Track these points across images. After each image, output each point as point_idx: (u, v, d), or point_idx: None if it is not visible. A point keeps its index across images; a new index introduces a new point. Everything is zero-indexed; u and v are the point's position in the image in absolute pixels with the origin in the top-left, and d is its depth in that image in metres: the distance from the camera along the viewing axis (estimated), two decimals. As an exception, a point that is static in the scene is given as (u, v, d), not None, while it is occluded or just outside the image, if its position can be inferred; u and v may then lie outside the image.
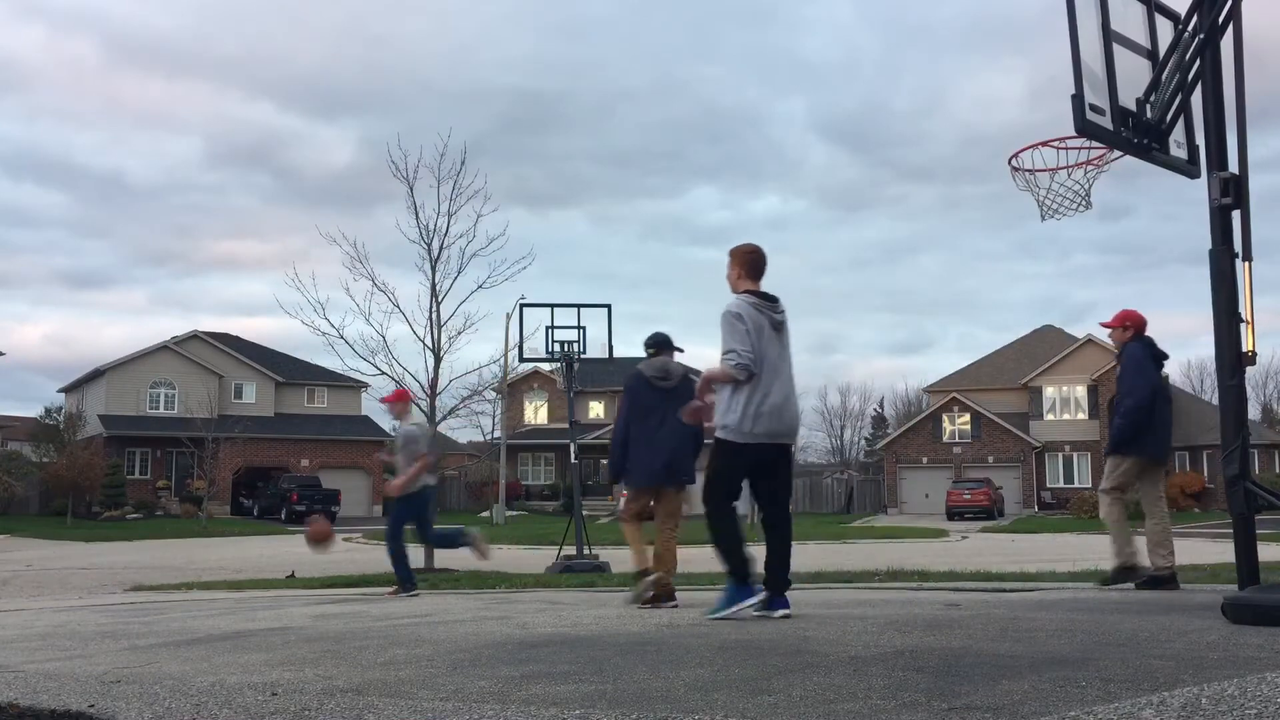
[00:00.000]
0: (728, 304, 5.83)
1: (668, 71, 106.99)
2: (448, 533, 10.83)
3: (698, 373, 6.36)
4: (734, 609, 5.82)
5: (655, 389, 7.35)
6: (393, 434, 10.57)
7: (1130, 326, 7.73)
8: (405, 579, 9.59)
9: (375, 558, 20.54)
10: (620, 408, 7.60)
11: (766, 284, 6.12)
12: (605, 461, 57.97)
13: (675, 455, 7.28)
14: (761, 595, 5.79)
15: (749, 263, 6.00)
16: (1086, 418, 52.11)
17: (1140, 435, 7.43)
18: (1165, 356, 7.72)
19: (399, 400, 10.63)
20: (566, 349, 15.86)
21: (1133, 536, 7.54)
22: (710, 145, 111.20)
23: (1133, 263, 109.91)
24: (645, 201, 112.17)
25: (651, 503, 7.55)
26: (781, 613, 5.75)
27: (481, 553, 10.11)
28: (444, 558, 14.52)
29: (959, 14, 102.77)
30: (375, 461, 48.10)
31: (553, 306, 16.04)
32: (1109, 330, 7.90)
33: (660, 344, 7.56)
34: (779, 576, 5.86)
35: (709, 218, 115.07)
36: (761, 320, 5.82)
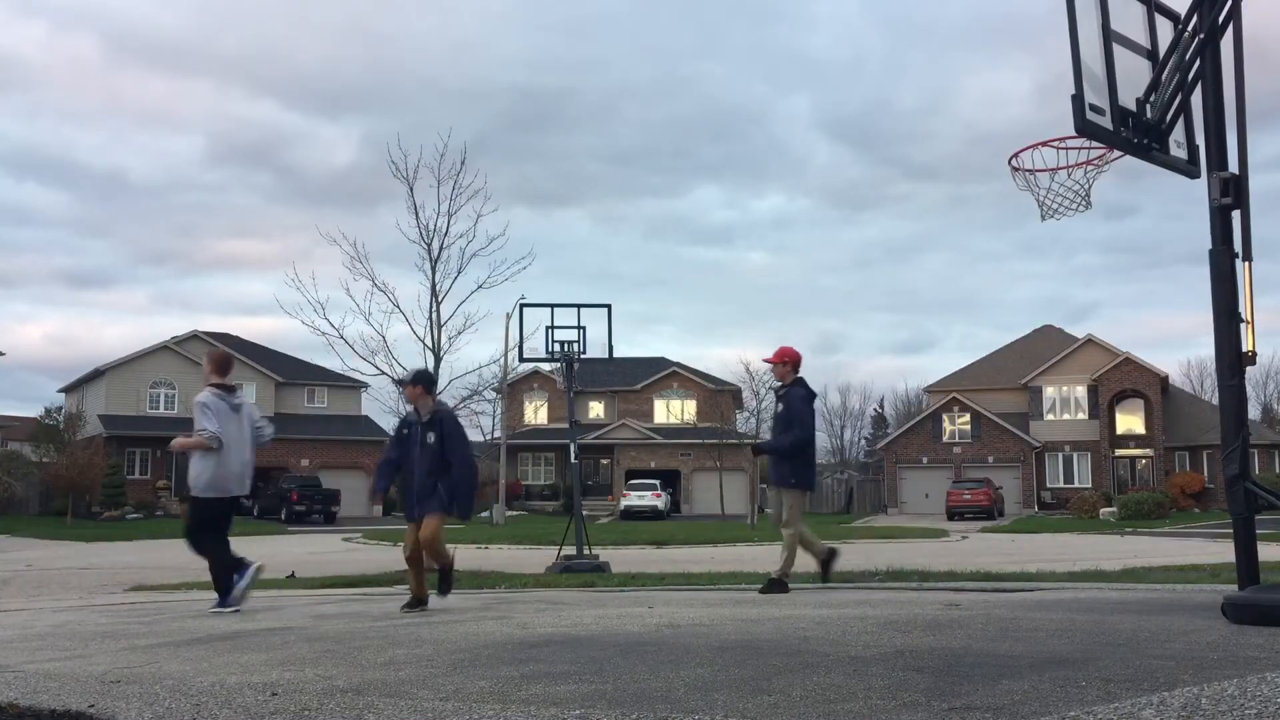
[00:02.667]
0: (199, 396, 8.00)
1: (672, 69, 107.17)
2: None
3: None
4: (225, 609, 7.78)
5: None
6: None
7: (789, 362, 8.44)
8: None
9: (375, 558, 20.54)
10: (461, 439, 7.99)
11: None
12: (605, 462, 57.22)
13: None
14: (236, 607, 7.80)
15: (217, 365, 8.27)
16: (1086, 418, 52.11)
17: (810, 472, 8.49)
18: (814, 396, 8.59)
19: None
20: (566, 349, 15.84)
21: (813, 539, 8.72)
22: (714, 144, 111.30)
23: (1136, 262, 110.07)
24: (648, 200, 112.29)
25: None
26: (232, 609, 7.75)
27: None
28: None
29: (965, 11, 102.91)
30: (374, 462, 48.07)
31: (553, 306, 16.04)
32: (770, 365, 8.63)
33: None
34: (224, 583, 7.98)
35: (713, 217, 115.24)
36: (223, 406, 7.99)
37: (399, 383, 8.17)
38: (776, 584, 8.37)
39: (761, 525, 37.93)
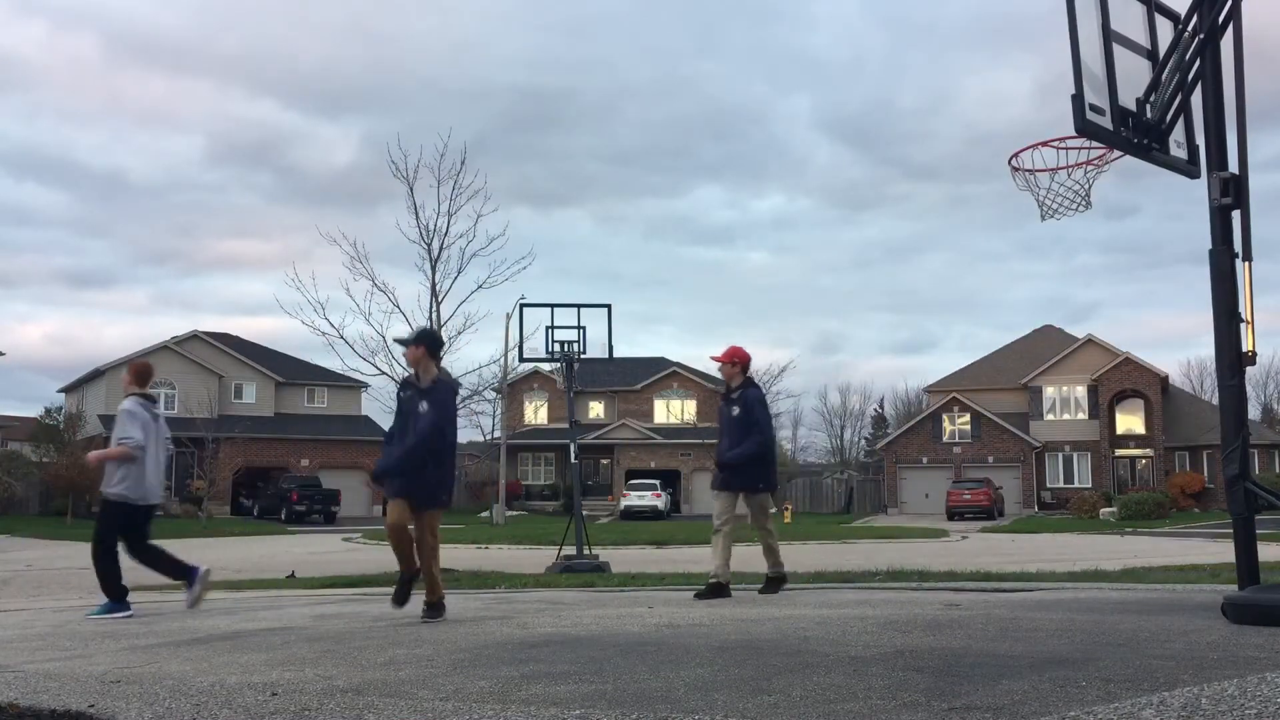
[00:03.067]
0: (124, 404, 8.00)
1: (672, 69, 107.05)
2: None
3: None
4: (109, 615, 7.66)
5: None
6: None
7: (739, 363, 8.24)
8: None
9: (375, 558, 20.53)
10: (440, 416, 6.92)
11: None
12: (605, 462, 57.15)
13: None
14: (129, 612, 7.76)
15: (137, 374, 8.22)
16: (1086, 418, 52.10)
17: (774, 469, 8.40)
18: (766, 399, 8.39)
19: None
20: (566, 349, 15.84)
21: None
22: (715, 143, 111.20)
23: (1137, 262, 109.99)
24: (649, 200, 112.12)
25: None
26: (125, 614, 7.72)
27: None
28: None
29: (965, 11, 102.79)
30: (374, 462, 48.02)
31: (553, 306, 16.04)
32: (718, 365, 8.36)
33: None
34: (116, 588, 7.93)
35: (713, 217, 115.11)
36: (146, 415, 7.99)
37: (400, 342, 7.54)
38: (775, 581, 8.39)
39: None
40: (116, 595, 7.85)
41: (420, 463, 6.67)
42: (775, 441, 8.48)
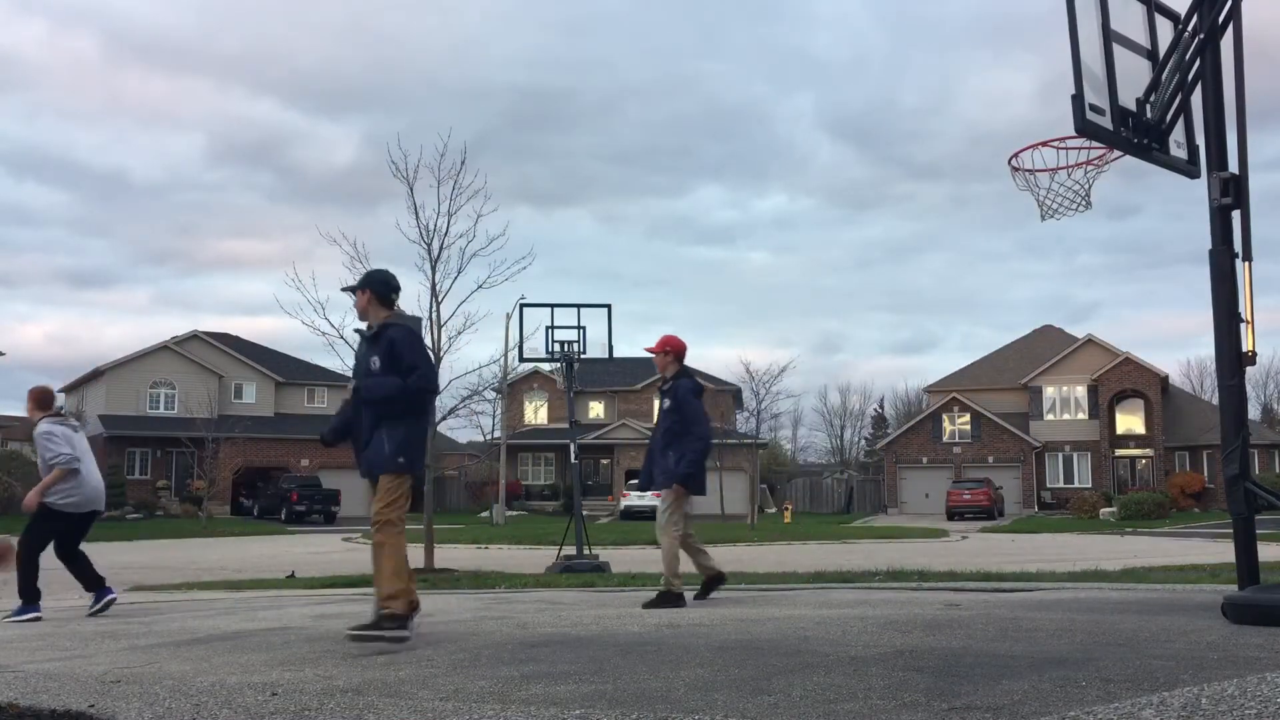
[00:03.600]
0: (39, 428, 8.19)
1: (673, 68, 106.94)
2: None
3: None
4: (21, 617, 7.73)
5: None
6: None
7: (671, 352, 7.79)
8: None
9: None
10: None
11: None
12: (605, 462, 57.00)
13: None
14: (38, 614, 7.81)
15: (39, 400, 8.47)
16: (1086, 418, 52.11)
17: (704, 468, 7.62)
18: (702, 389, 7.81)
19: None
20: (566, 349, 15.85)
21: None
22: (717, 143, 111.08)
23: (1137, 262, 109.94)
24: (651, 200, 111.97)
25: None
26: (35, 615, 7.79)
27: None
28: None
29: (968, 10, 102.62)
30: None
31: (553, 306, 16.04)
32: (652, 355, 7.93)
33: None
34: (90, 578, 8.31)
35: (714, 216, 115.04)
36: (67, 430, 8.25)
37: (347, 290, 5.98)
38: (666, 595, 7.40)
39: (761, 525, 37.98)
40: (33, 598, 7.95)
41: (369, 427, 5.65)
42: (711, 441, 7.74)
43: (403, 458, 5.58)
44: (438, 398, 15.60)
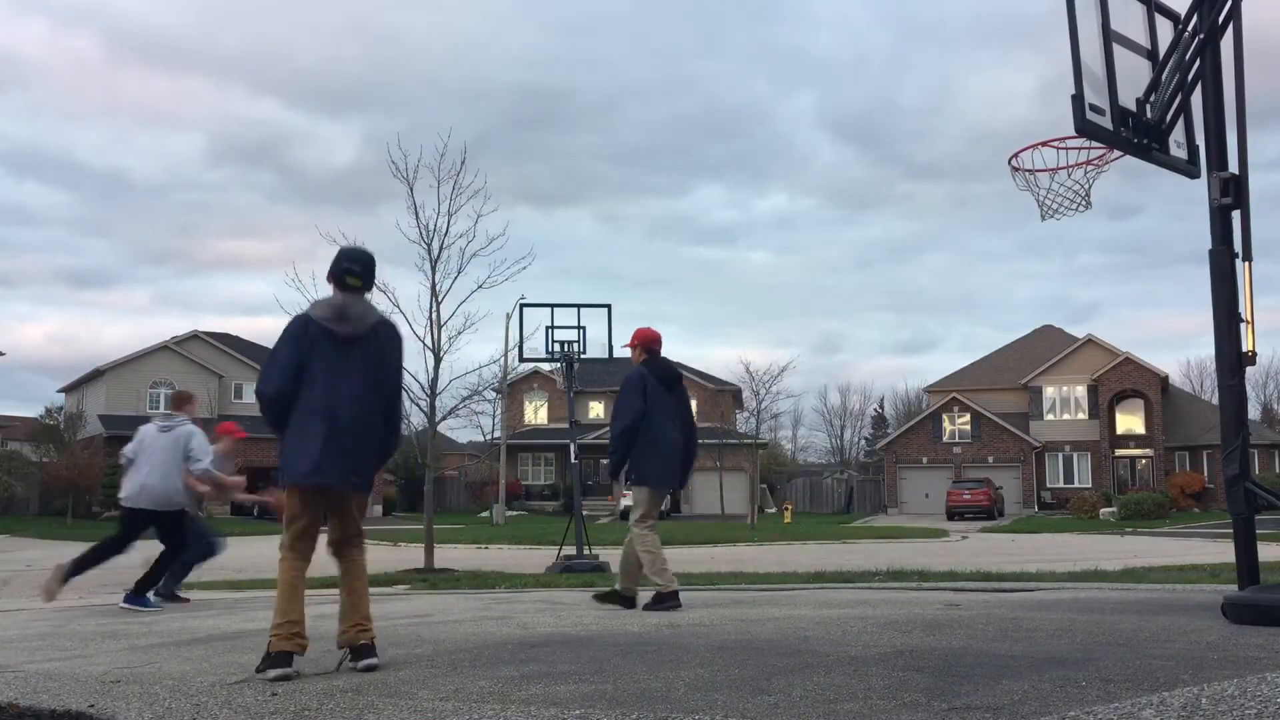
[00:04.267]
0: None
1: (673, 68, 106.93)
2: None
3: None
4: (133, 606, 8.26)
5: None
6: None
7: (637, 344, 7.40)
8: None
9: (374, 557, 20.51)
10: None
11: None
12: (605, 462, 57.54)
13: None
14: (151, 606, 8.29)
15: (171, 402, 8.66)
16: (1086, 418, 52.10)
17: (651, 463, 7.15)
18: (676, 378, 7.33)
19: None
20: (566, 349, 15.86)
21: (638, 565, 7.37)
22: (717, 142, 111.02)
23: (1138, 262, 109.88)
24: (651, 200, 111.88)
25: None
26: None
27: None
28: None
29: (968, 9, 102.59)
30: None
31: (553, 306, 16.04)
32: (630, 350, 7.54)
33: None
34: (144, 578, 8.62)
35: (715, 216, 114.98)
36: (149, 431, 8.55)
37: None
38: (615, 595, 7.36)
39: (761, 525, 37.96)
40: (140, 590, 8.59)
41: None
42: (633, 430, 7.11)
43: (280, 471, 4.71)
44: (437, 398, 15.16)
